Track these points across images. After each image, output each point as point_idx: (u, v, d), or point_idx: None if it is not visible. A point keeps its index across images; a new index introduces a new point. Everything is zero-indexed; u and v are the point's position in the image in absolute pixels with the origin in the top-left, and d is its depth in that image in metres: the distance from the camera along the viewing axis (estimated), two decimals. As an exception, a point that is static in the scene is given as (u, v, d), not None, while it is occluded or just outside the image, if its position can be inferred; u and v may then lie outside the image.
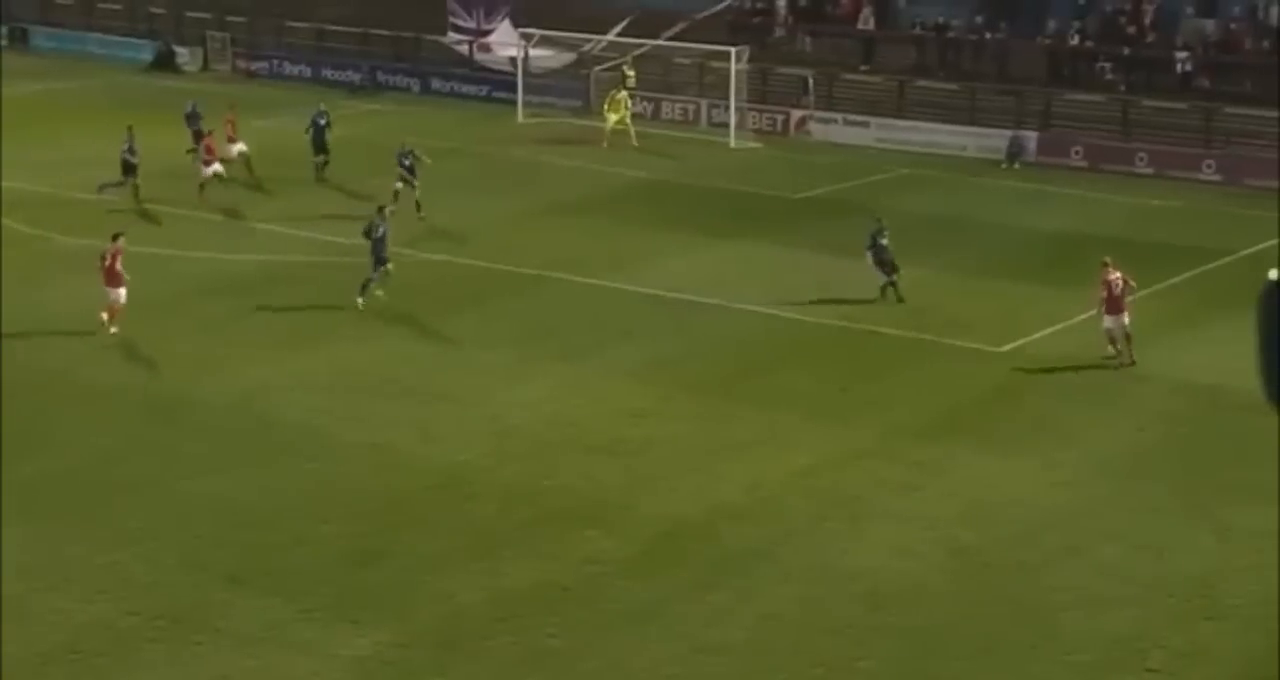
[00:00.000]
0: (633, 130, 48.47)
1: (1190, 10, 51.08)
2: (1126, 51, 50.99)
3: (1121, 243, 36.72)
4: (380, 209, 33.61)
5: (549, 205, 41.27)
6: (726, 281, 35.19)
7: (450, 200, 41.75)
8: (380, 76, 60.73)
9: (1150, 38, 51.00)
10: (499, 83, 57.55)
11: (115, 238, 31.37)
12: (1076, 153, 48.04)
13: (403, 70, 60.99)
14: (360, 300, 32.31)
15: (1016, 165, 47.33)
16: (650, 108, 53.96)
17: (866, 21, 55.41)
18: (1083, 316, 30.79)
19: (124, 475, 24.48)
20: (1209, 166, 46.29)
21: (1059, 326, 31.81)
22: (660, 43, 54.84)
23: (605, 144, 47.66)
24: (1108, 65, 51.59)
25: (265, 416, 26.84)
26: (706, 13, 57.50)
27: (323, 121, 44.39)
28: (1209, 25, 50.51)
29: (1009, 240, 38.30)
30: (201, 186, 40.91)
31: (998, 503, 23.76)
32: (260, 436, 26.02)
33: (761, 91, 53.34)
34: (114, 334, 30.43)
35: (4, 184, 41.72)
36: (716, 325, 32.29)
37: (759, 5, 57.79)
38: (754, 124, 52.01)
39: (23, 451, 25.08)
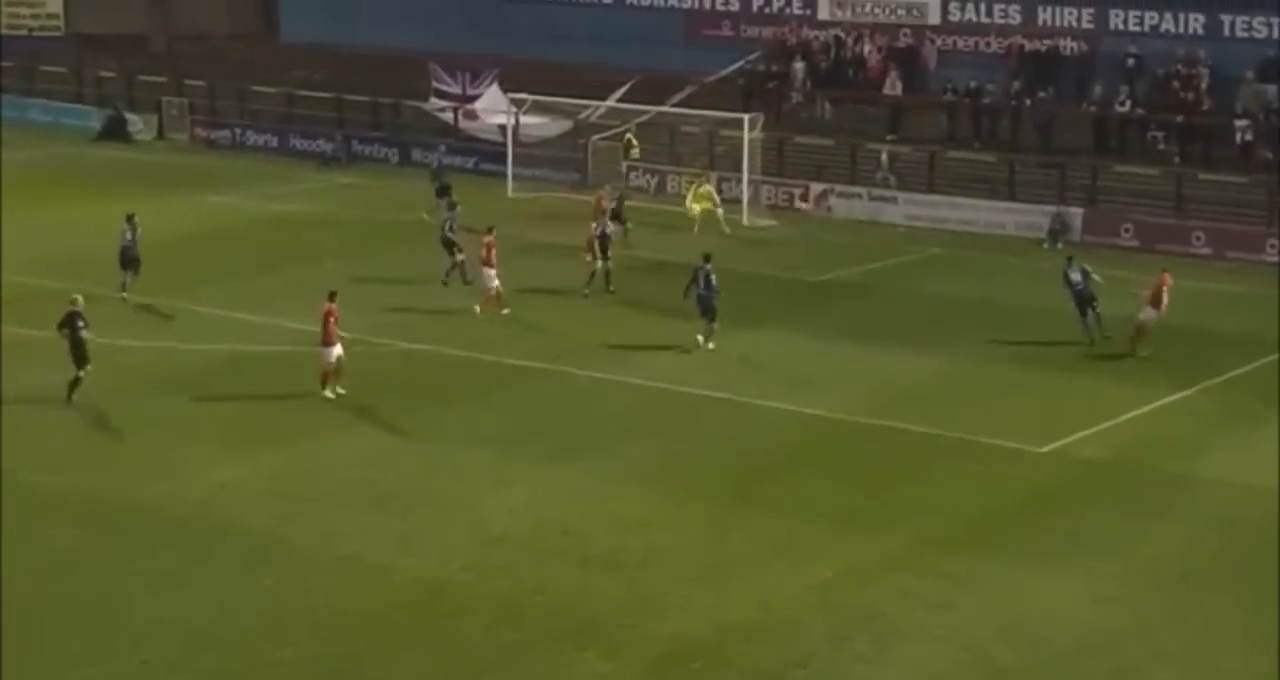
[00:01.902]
0: (720, 215, 48.45)
1: (1250, 74, 51.64)
2: (1181, 119, 51.53)
3: (1175, 331, 37.00)
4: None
5: (540, 288, 41.54)
6: (738, 373, 35.38)
7: (433, 284, 42.08)
8: (355, 146, 61.35)
9: (1207, 104, 51.55)
10: (487, 153, 58.03)
11: (331, 297, 33.38)
12: (1126, 231, 48.42)
13: (380, 139, 61.58)
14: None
15: (1060, 245, 47.63)
16: (654, 181, 54.44)
17: (893, 86, 56.05)
18: (1131, 414, 30.96)
19: (65, 592, 24.50)
20: (1273, 247, 46.64)
21: (1106, 425, 31.97)
22: (665, 109, 55.42)
23: (696, 230, 47.81)
24: (1160, 134, 52.11)
25: (223, 525, 26.92)
26: (716, 76, 58.20)
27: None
28: (1271, 91, 51.03)
29: (1051, 328, 38.52)
30: None
31: (1038, 621, 23.81)
32: (217, 548, 26.08)
33: (777, 163, 53.85)
34: (338, 394, 32.83)
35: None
36: (727, 422, 32.43)
37: (774, 68, 58.49)
38: (769, 199, 52.46)
39: (-47, 564, 25.16)
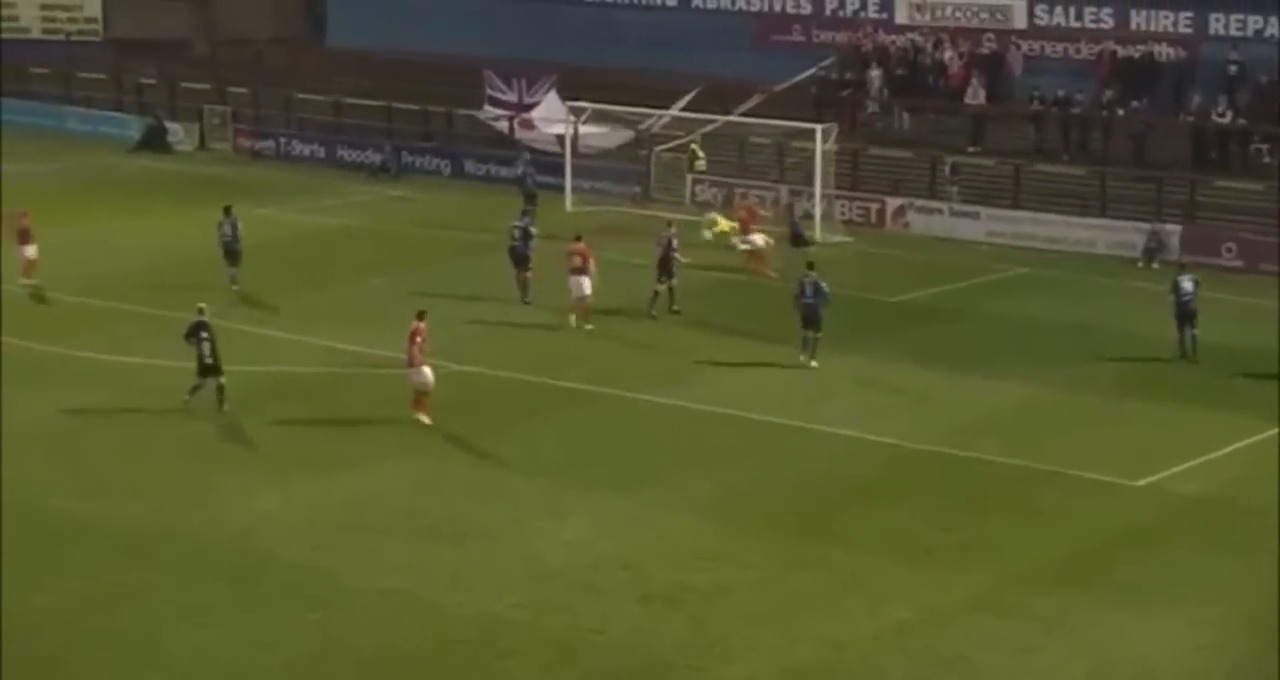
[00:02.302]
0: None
1: (1364, 80, 51.27)
2: (1286, 130, 51.20)
3: (1280, 357, 36.67)
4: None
5: (598, 307, 41.52)
6: (809, 398, 35.26)
7: (485, 302, 42.14)
8: (405, 157, 61.54)
9: (1315, 113, 51.18)
10: (544, 165, 58.02)
11: (420, 316, 33.60)
12: (1228, 250, 48.03)
13: (431, 150, 61.80)
14: None
15: (1155, 264, 47.32)
16: (721, 195, 54.38)
17: (976, 95, 55.85)
18: (1233, 447, 30.63)
19: (96, 625, 24.58)
20: (1389, 269, 46.18)
21: (1206, 458, 31.66)
22: (733, 119, 55.39)
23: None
24: (1264, 147, 51.70)
25: (265, 556, 26.97)
26: (786, 84, 58.13)
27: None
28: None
29: (1146, 353, 38.24)
30: None
31: (1132, 668, 23.56)
32: (259, 580, 26.12)
33: (852, 177, 53.73)
34: (425, 422, 32.77)
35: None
36: (797, 450, 32.32)
37: (848, 76, 58.38)
38: (843, 214, 52.34)
39: (-20, 595, 25.31)
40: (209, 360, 33.61)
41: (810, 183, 51.68)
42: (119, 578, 26.18)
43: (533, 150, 59.50)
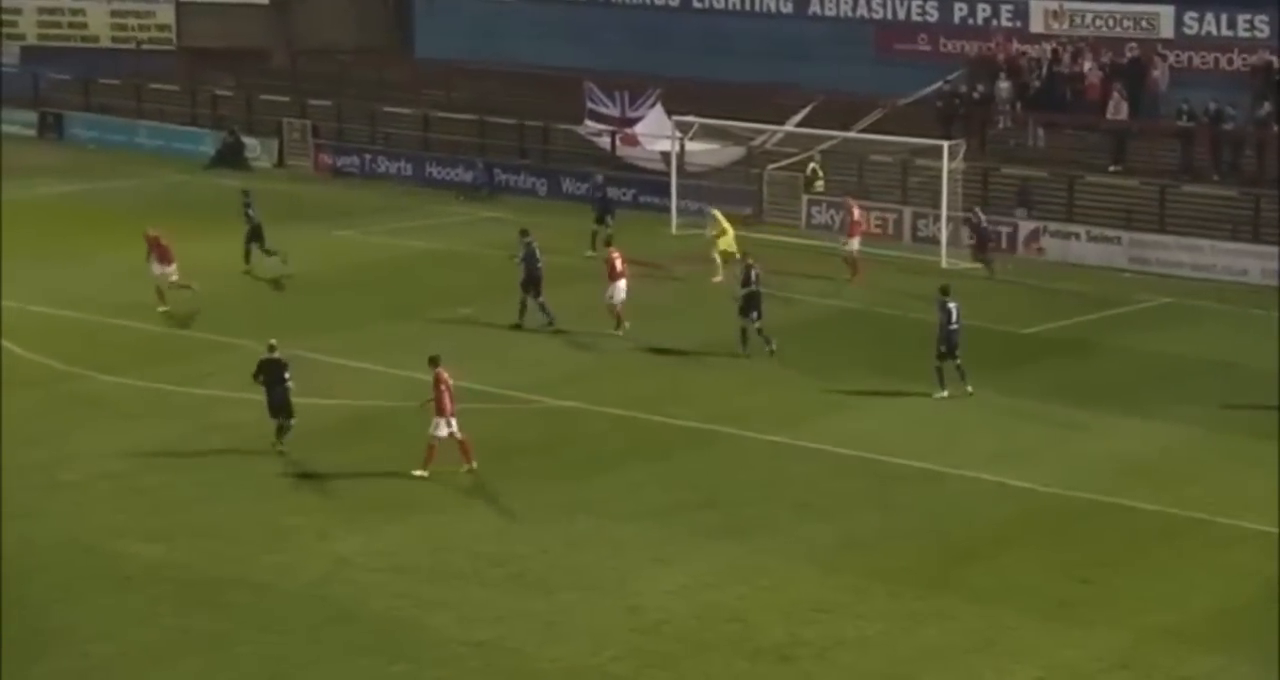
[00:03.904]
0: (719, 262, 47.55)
1: None
2: None
3: None
4: None
5: (707, 341, 41.49)
6: (935, 439, 35.11)
7: (582, 332, 42.22)
8: (499, 176, 61.81)
9: None
10: (648, 184, 58.21)
11: (433, 363, 33.09)
12: (1395, 279, 47.49)
13: (527, 168, 62.05)
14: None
15: (1314, 294, 46.87)
16: (838, 218, 54.27)
17: (1117, 110, 55.48)
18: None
19: (163, 678, 24.76)
20: None
21: (1370, 505, 31.25)
22: (852, 136, 55.29)
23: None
24: None
25: (344, 605, 27.07)
26: (911, 98, 58.00)
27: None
28: None
29: (1305, 391, 37.85)
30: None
31: (1290, 735, 23.27)
32: (337, 631, 26.22)
33: (981, 197, 53.48)
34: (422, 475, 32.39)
35: (16, 307, 42.90)
36: (921, 496, 32.16)
37: (978, 89, 58.17)
38: (971, 238, 52.07)
39: (36, 647, 25.53)
40: (276, 402, 33.64)
41: (936, 204, 51.50)
42: (187, 626, 26.35)
43: (635, 168, 59.73)
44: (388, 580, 27.99)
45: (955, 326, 37.66)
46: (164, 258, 44.18)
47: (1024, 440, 35.13)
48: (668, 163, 56.49)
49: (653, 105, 60.28)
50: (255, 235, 48.53)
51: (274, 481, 32.35)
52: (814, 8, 64.27)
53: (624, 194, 58.84)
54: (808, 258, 49.18)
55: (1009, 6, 60.18)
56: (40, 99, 73.97)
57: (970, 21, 61.10)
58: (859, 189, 55.23)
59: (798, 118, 57.42)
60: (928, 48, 61.63)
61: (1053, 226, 52.31)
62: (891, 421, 36.27)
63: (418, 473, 32.34)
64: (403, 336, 41.84)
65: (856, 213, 49.37)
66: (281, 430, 33.70)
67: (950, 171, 51.10)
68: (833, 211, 54.41)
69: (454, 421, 32.63)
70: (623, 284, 42.43)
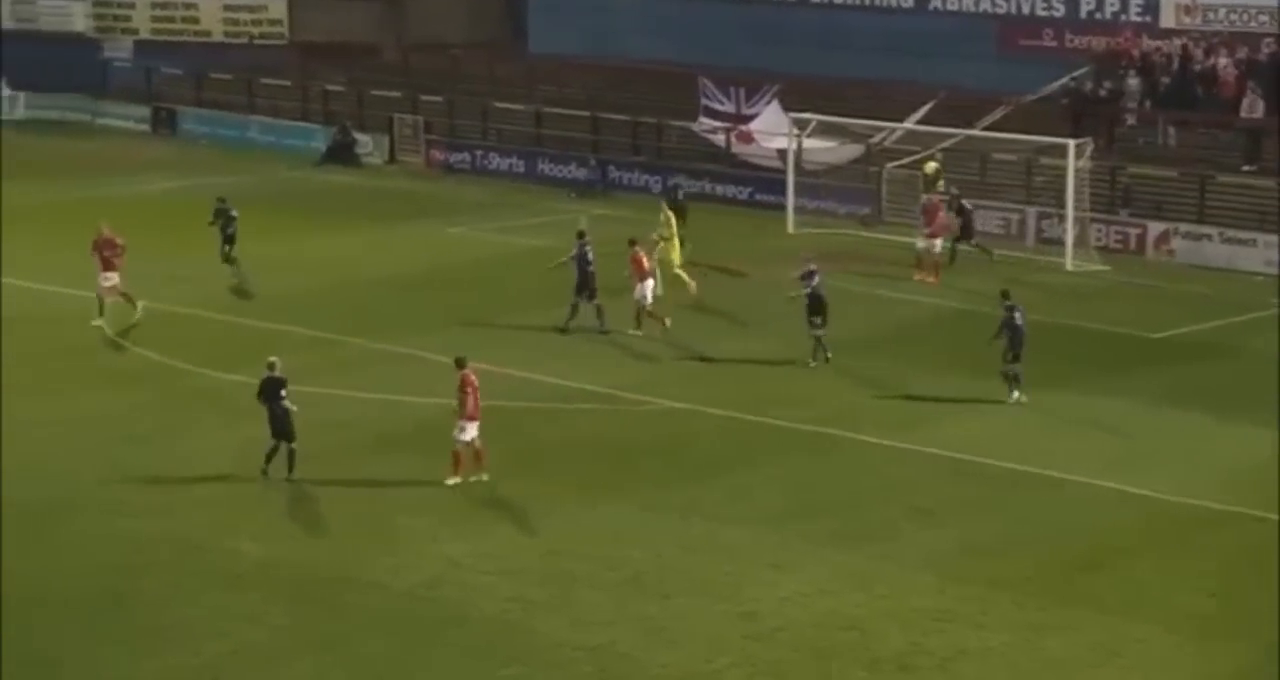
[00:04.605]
0: (687, 277, 45.60)
1: None
2: None
3: None
4: None
5: (828, 341, 41.40)
6: (1057, 444, 34.91)
7: (701, 333, 42.22)
8: (612, 173, 61.92)
9: None
10: (764, 182, 58.17)
11: (460, 364, 32.51)
12: None
13: (641, 165, 62.13)
14: None
15: None
16: (959, 217, 53.99)
17: (1253, 107, 54.85)
18: None
19: (274, 678, 25.00)
20: None
21: None
22: (974, 133, 55.02)
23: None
24: None
25: (454, 607, 27.23)
26: (1035, 95, 57.63)
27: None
28: None
29: None
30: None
31: None
32: (448, 633, 26.37)
33: (1109, 198, 53.10)
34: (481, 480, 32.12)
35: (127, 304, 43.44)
36: (1044, 503, 31.98)
37: (1105, 85, 57.71)
38: (1098, 240, 51.72)
39: (148, 644, 25.88)
40: (278, 423, 32.18)
41: (1061, 204, 51.16)
42: (299, 626, 26.59)
43: (750, 166, 59.68)
44: (499, 582, 28.10)
45: (1019, 330, 37.23)
46: (108, 264, 42.29)
47: (1145, 446, 34.85)
48: (784, 161, 56.41)
49: (769, 102, 60.15)
50: (229, 240, 47.40)
51: (385, 481, 32.52)
52: (935, 2, 63.95)
53: (739, 192, 58.97)
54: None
55: (1139, 1, 59.64)
56: (153, 93, 74.78)
57: (1098, 16, 60.62)
58: (981, 188, 55.00)
59: (918, 115, 57.15)
60: (1053, 43, 61.15)
61: (1183, 228, 51.82)
62: (1007, 425, 36.10)
63: (450, 481, 32.13)
64: (510, 335, 42.01)
65: (942, 214, 49.10)
66: (273, 455, 32.07)
67: (1076, 171, 50.70)
68: (953, 211, 54.15)
69: (476, 427, 32.15)
70: (650, 283, 42.32)
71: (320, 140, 68.28)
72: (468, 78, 71.74)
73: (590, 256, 42.73)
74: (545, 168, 63.45)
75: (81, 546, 29.39)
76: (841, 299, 42.66)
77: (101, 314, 42.26)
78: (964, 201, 50.23)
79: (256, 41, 77.29)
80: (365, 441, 34.51)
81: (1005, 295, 38.23)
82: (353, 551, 29.33)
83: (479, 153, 65.35)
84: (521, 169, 63.97)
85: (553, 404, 37.10)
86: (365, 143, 67.40)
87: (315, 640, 26.09)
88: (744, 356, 40.55)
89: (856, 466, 33.85)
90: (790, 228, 54.10)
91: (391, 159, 66.89)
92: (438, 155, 66.13)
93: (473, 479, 32.18)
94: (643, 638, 26.13)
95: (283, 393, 32.32)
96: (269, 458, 32.19)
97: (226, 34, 77.62)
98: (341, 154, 66.94)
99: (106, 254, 42.48)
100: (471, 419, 32.12)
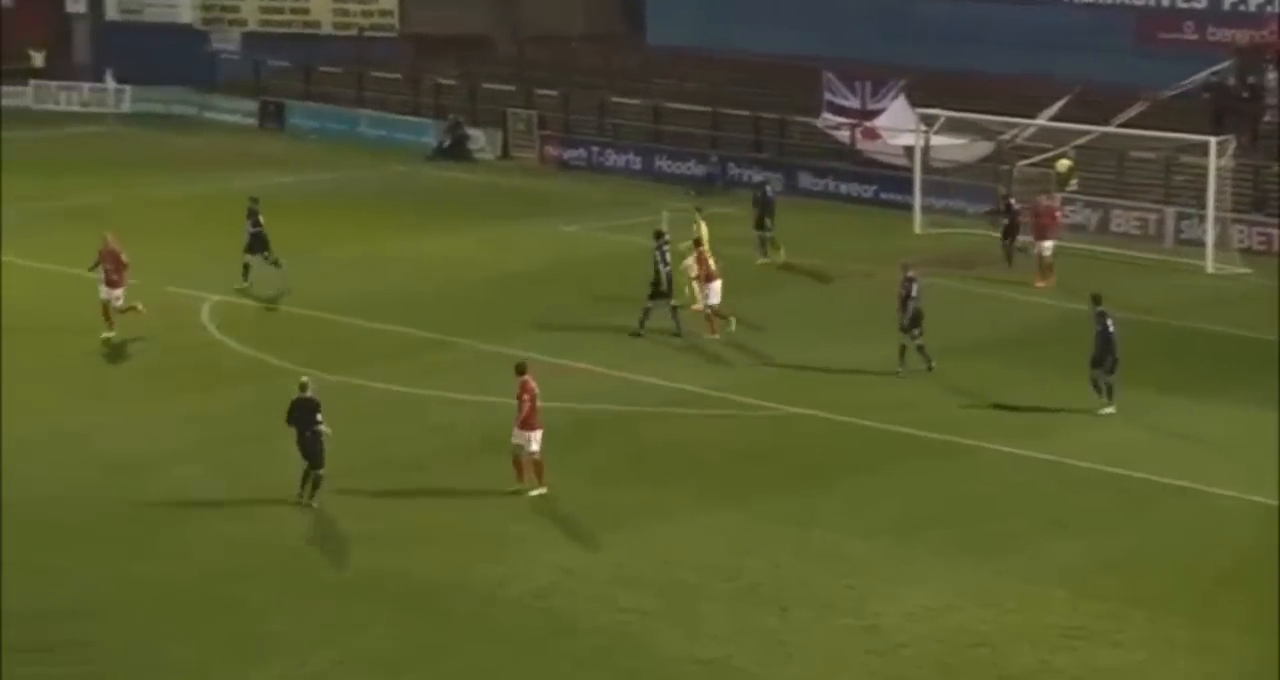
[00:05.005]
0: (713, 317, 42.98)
1: None
2: None
3: None
4: None
5: (948, 346, 41.14)
6: (1196, 454, 34.58)
7: (820, 336, 42.12)
8: (732, 170, 61.82)
9: None
10: (890, 180, 57.96)
11: (520, 371, 32.17)
12: None
13: (762, 162, 61.96)
14: None
15: None
16: (1095, 218, 53.56)
17: (1407, 102, 54.20)
18: None
19: (390, 688, 25.13)
20: None
21: None
22: (1110, 130, 54.59)
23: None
24: None
25: (566, 617, 27.18)
26: (1175, 90, 57.10)
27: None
28: None
29: None
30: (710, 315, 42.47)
31: None
32: (559, 644, 26.34)
33: (1252, 198, 52.55)
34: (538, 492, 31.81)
35: (232, 302, 43.69)
36: (1182, 516, 31.66)
37: (1249, 80, 57.06)
38: (1241, 241, 51.17)
39: (255, 652, 26.01)
40: (308, 448, 31.33)
41: (1201, 205, 50.65)
42: (408, 635, 26.61)
43: (876, 164, 59.45)
44: (612, 592, 28.04)
45: (1110, 337, 36.71)
46: (112, 279, 41.31)
47: (1297, 460, 34.44)
48: (911, 158, 56.16)
49: (896, 97, 59.94)
50: (258, 245, 45.61)
51: (495, 486, 32.51)
52: (1069, -6, 63.64)
53: (864, 191, 58.78)
54: (1059, 260, 48.44)
55: (1285, -8, 59.09)
56: (261, 87, 75.34)
57: (1241, 8, 60.06)
58: (1117, 187, 54.56)
59: (1051, 111, 56.80)
60: (1194, 36, 60.61)
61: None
62: (1140, 434, 35.74)
63: (535, 492, 32.01)
64: (621, 336, 41.99)
65: (1057, 216, 48.69)
66: (307, 480, 31.30)
67: (1218, 169, 50.17)
68: (1089, 210, 53.78)
69: (539, 436, 31.87)
70: (717, 285, 42.26)
71: (431, 135, 68.56)
72: (584, 71, 71.85)
73: (667, 258, 42.55)
74: (663, 164, 63.50)
75: (187, 551, 29.60)
76: (966, 300, 42.45)
77: (111, 326, 41.42)
78: (1011, 200, 49.92)
79: (366, 33, 77.83)
80: (473, 446, 34.52)
81: (1096, 300, 37.62)
82: (461, 560, 29.36)
83: (595, 149, 65.42)
84: (638, 165, 64.00)
85: (665, 407, 37.03)
86: (477, 138, 67.62)
87: (422, 650, 26.12)
88: (861, 359, 40.19)
89: (982, 475, 33.59)
90: (917, 228, 53.84)
91: (504, 155, 67.08)
92: (552, 151, 66.24)
93: (533, 493, 31.96)
94: (760, 652, 26.00)
95: (318, 416, 31.46)
96: (303, 484, 31.52)
97: (336, 26, 78.21)
98: (453, 150, 67.18)
99: (110, 268, 41.43)
100: (531, 428, 31.90)
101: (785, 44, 67.64)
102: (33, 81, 77.47)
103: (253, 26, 78.71)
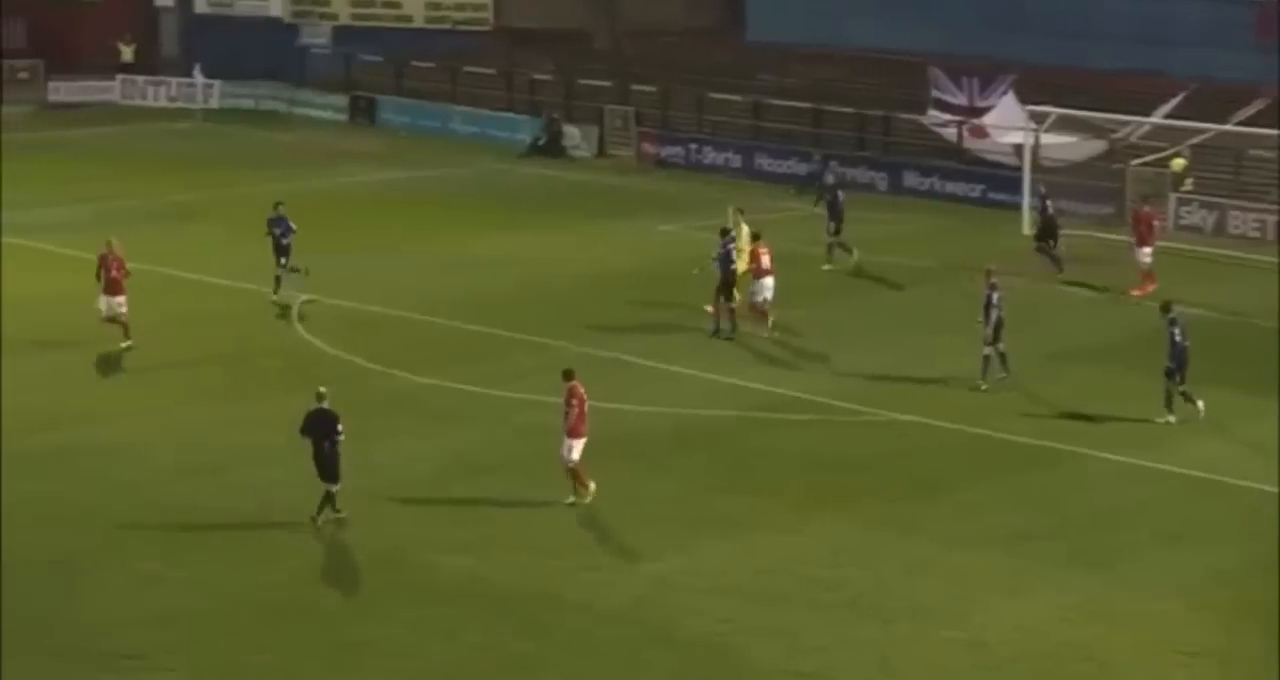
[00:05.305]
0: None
1: None
2: None
3: None
4: None
5: (1058, 350, 40.96)
6: (1309, 465, 34.22)
7: (928, 337, 42.06)
8: (835, 168, 61.46)
9: None
10: (998, 180, 57.69)
11: (568, 376, 32.09)
12: None
13: (866, 160, 61.84)
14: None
15: None
16: (1212, 219, 53.12)
17: None
18: None
19: (472, 698, 25.13)
20: None
21: None
22: (1227, 129, 54.17)
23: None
24: None
25: (660, 628, 27.08)
26: (1296, 86, 56.68)
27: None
28: None
29: None
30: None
31: None
32: (654, 656, 26.26)
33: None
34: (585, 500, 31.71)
35: (320, 301, 43.87)
36: (1300, 528, 31.31)
37: (1373, 77, 56.55)
38: (1034, 227, 50.66)
39: (341, 659, 26.05)
40: (325, 462, 30.64)
41: (1322, 206, 50.23)
42: (495, 645, 26.60)
43: (983, 162, 59.18)
44: (709, 603, 27.93)
45: (1182, 345, 36.27)
46: (114, 287, 40.47)
47: None
48: (1020, 157, 55.89)
49: (1004, 93, 59.75)
50: (281, 252, 44.65)
51: (626, 500, 32.21)
52: (1186, -13, 63.17)
53: (971, 190, 58.56)
54: (1173, 263, 48.09)
55: None
56: (351, 82, 75.69)
57: (1368, 1, 59.49)
58: (1234, 187, 54.11)
59: (1166, 108, 56.47)
60: (1316, 31, 60.07)
61: None
62: (1254, 444, 35.32)
63: (569, 501, 31.80)
64: (720, 339, 41.84)
65: (1157, 223, 48.19)
66: (326, 498, 30.63)
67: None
68: (1204, 212, 53.34)
69: (581, 445, 31.60)
70: (769, 282, 42.31)
71: (526, 132, 68.70)
72: (682, 67, 71.81)
73: (734, 256, 42.51)
74: (763, 163, 63.41)
75: (274, 556, 29.68)
76: (1072, 304, 42.09)
77: (127, 336, 40.79)
78: (1048, 202, 49.19)
79: (459, 27, 78.05)
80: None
81: (1166, 308, 37.09)
82: (554, 568, 29.32)
83: (693, 146, 65.38)
84: (738, 164, 63.93)
85: (762, 413, 36.92)
86: (573, 135, 67.72)
87: (512, 660, 26.10)
88: (958, 366, 39.89)
89: (1092, 485, 33.35)
90: (1025, 228, 53.43)
91: (601, 152, 67.17)
92: (649, 148, 66.24)
93: (567, 501, 31.80)
94: (862, 664, 25.88)
95: (339, 427, 30.78)
96: (324, 504, 30.90)
97: (428, 20, 78.48)
98: (548, 147, 67.27)
99: (114, 275, 40.65)
100: (577, 435, 31.70)
101: (890, 38, 67.49)
102: (120, 76, 78.07)
103: (344, 20, 79.14)
